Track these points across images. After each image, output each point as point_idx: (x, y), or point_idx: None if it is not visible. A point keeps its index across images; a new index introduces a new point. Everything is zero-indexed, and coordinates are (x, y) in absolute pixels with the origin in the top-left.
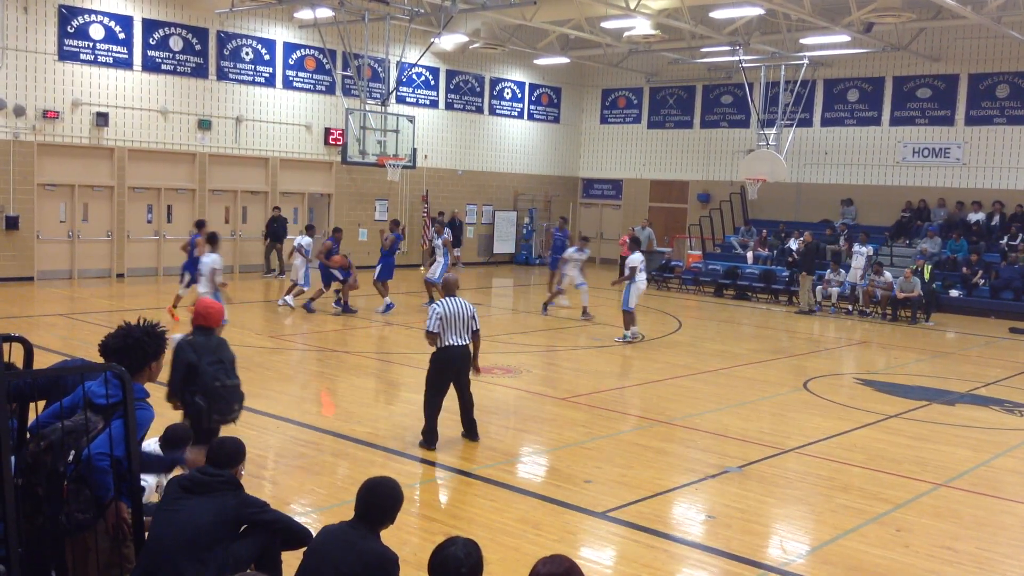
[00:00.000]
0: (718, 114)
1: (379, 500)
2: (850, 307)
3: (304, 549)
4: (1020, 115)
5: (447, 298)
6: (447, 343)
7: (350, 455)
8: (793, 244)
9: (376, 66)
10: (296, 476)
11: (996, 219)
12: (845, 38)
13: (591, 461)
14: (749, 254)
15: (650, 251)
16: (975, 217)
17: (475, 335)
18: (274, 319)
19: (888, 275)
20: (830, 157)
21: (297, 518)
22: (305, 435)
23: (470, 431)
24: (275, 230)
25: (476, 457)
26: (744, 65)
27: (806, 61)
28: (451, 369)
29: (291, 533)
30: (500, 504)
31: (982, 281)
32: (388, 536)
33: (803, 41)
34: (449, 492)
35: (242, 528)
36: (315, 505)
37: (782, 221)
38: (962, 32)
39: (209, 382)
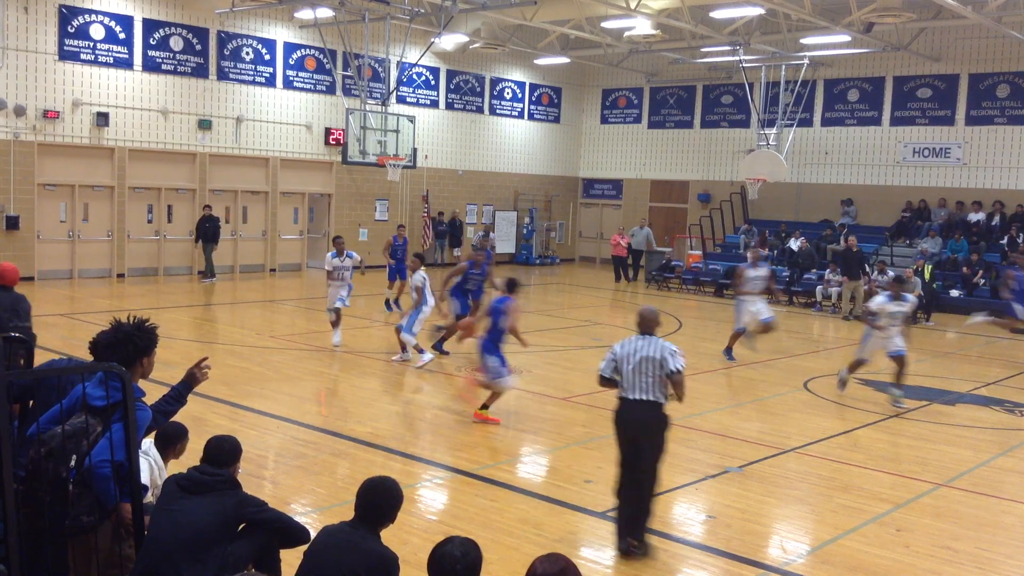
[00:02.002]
0: (718, 114)
1: (379, 500)
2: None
3: (303, 549)
4: (1020, 115)
5: (635, 337)
6: (624, 395)
7: (350, 455)
8: (793, 244)
9: (376, 66)
10: (296, 476)
11: (996, 219)
12: (845, 38)
13: (591, 461)
14: (747, 254)
15: (650, 251)
16: (975, 217)
17: (672, 378)
18: (273, 319)
19: (891, 274)
20: (830, 157)
21: (297, 518)
22: (305, 435)
23: (632, 526)
24: (207, 231)
25: (476, 457)
26: (744, 65)
27: (806, 61)
28: (625, 433)
29: (290, 532)
30: (500, 504)
31: (982, 281)
32: (388, 536)
33: (803, 41)
34: (450, 492)
35: (241, 527)
36: (315, 505)
37: (783, 221)
38: (962, 32)
39: (5, 324)
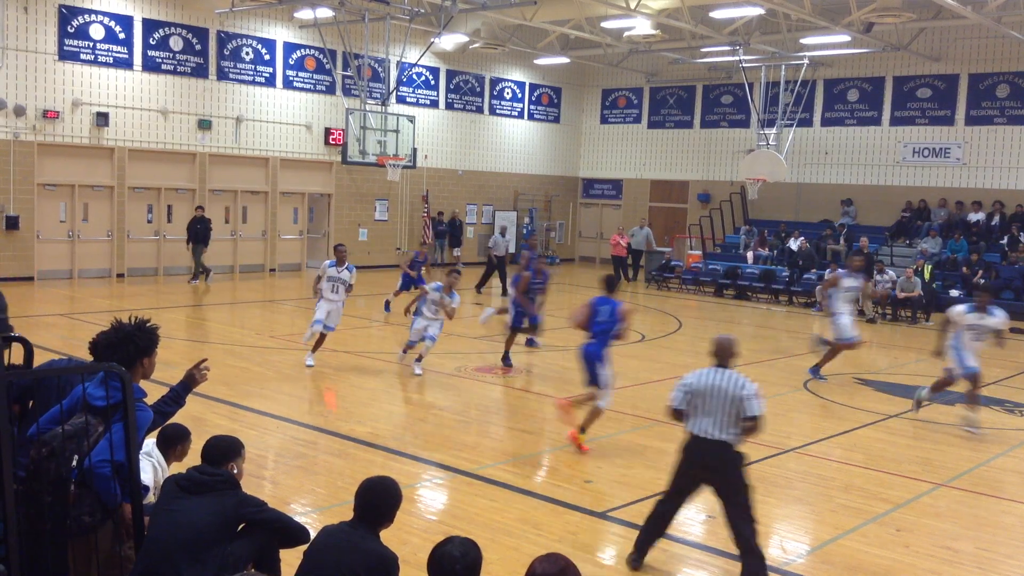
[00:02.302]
0: (718, 114)
1: (378, 500)
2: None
3: (303, 549)
4: (1020, 115)
5: (711, 369)
6: (693, 431)
7: (350, 455)
8: (793, 244)
9: (376, 66)
10: (296, 476)
11: (996, 219)
12: (845, 38)
13: (591, 461)
14: (749, 254)
15: (649, 251)
16: (975, 217)
17: (745, 424)
18: (273, 319)
19: (891, 273)
20: (830, 157)
21: (296, 518)
22: (305, 435)
23: (647, 546)
24: (198, 232)
25: (476, 457)
26: (744, 65)
27: (806, 61)
28: (689, 470)
29: (289, 532)
30: (500, 504)
31: (982, 281)
32: (388, 536)
33: (803, 41)
34: (449, 492)
35: (240, 527)
36: (314, 505)
37: (782, 221)
38: (962, 32)
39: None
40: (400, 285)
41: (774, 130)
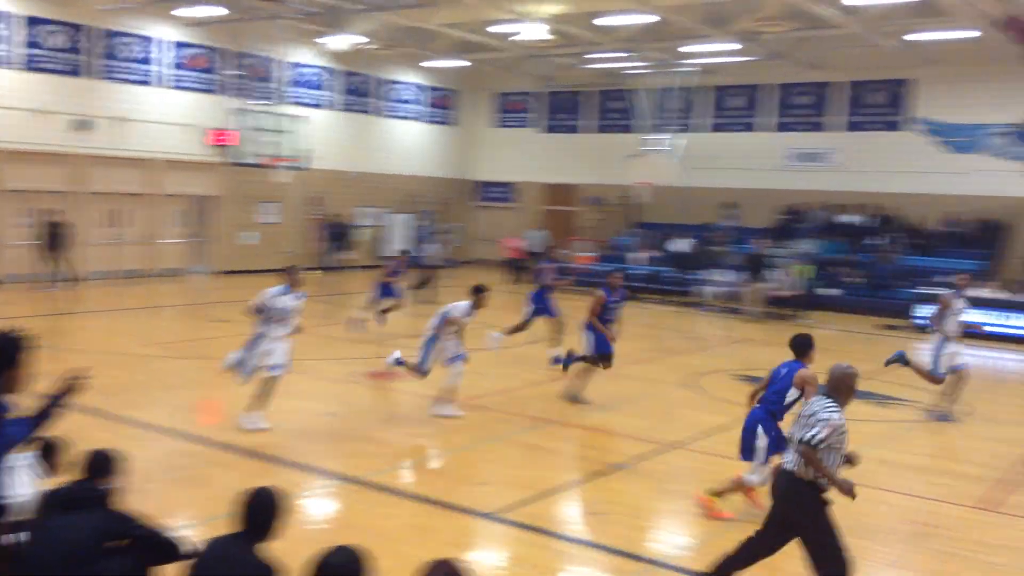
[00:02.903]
0: (611, 119)
1: (260, 511)
2: (734, 306)
3: (188, 563)
4: (894, 121)
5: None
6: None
7: (233, 465)
8: (678, 246)
9: (266, 65)
10: (178, 488)
11: (870, 221)
12: (731, 46)
13: (484, 463)
14: (638, 255)
15: (543, 253)
16: (850, 219)
17: (803, 447)
18: (156, 326)
19: (775, 274)
20: (718, 161)
21: (178, 532)
22: (186, 446)
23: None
24: (54, 238)
25: (367, 464)
26: (635, 71)
27: (694, 68)
28: (773, 502)
29: (163, 548)
30: (391, 510)
31: (857, 280)
32: (277, 547)
33: (692, 49)
34: (339, 500)
35: (118, 543)
36: (197, 518)
37: (671, 224)
38: (841, 41)
39: None
40: (377, 295)
41: (664, 135)
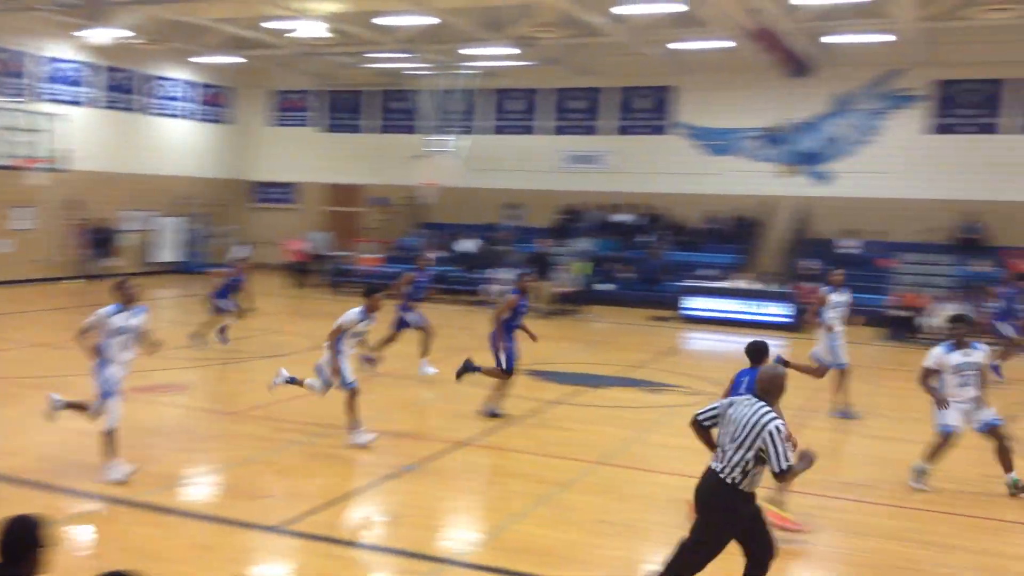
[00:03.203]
0: (394, 119)
1: (17, 542)
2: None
3: None
4: (660, 125)
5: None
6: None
7: None
8: (464, 247)
9: (19, 60)
10: None
11: (640, 220)
12: (510, 51)
13: (266, 475)
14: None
15: (329, 255)
16: (623, 218)
17: (781, 477)
18: None
19: (556, 273)
20: (500, 163)
21: None
22: None
23: None
24: None
25: (139, 483)
26: (416, 72)
27: (475, 71)
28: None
29: None
30: (169, 531)
31: (630, 275)
32: None
33: (471, 52)
34: (112, 523)
35: None
36: None
37: (457, 224)
38: (611, 49)
39: None
40: (216, 308)
41: (447, 136)
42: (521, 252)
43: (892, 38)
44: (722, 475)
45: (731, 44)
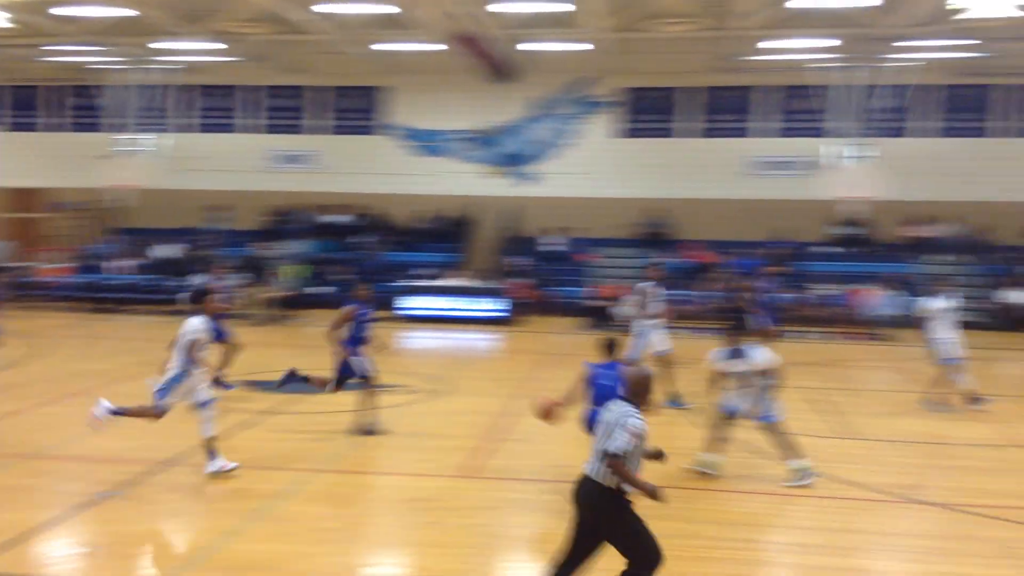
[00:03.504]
0: (82, 116)
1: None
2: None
3: None
4: (373, 125)
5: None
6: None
7: None
8: (166, 252)
9: None
10: None
11: (356, 220)
12: (213, 45)
13: None
14: (119, 264)
15: (9, 266)
16: (337, 219)
17: (610, 459)
18: None
19: (270, 276)
20: (205, 163)
21: None
22: None
23: None
24: None
25: None
26: (109, 66)
27: (175, 66)
28: (578, 509)
29: None
30: None
31: (347, 277)
32: None
33: (168, 46)
34: None
35: None
36: None
37: (155, 229)
38: (318, 47)
39: None
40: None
41: (148, 135)
42: (230, 256)
43: (585, 47)
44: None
45: (440, 47)
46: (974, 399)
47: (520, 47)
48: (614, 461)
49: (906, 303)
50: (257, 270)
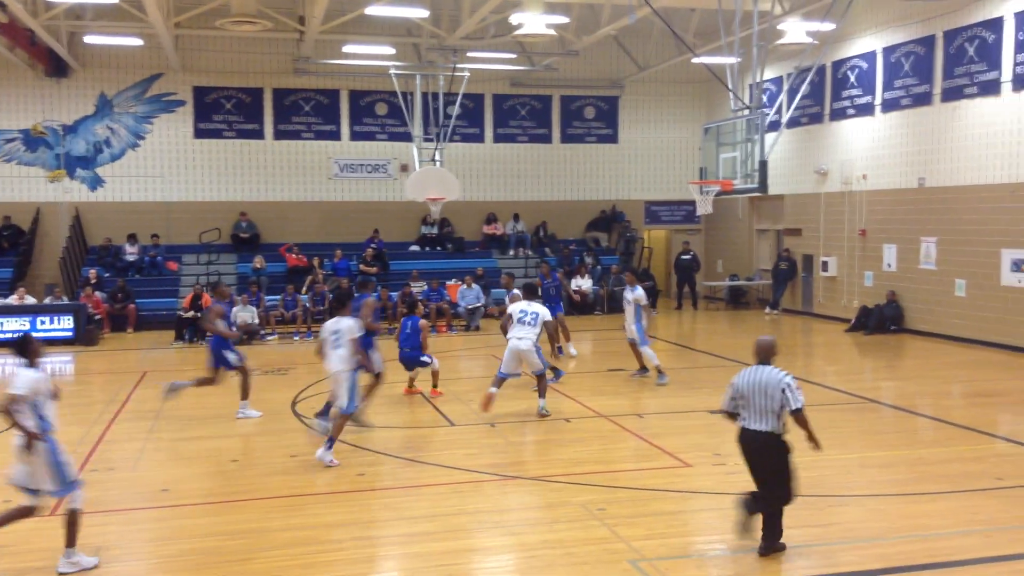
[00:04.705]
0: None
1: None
2: None
3: None
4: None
5: (754, 367)
6: (743, 424)
7: None
8: None
9: None
10: None
11: None
12: None
13: None
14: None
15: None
16: None
17: (794, 417)
18: None
19: None
20: None
21: None
22: None
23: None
24: None
25: None
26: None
27: None
28: (747, 458)
29: None
30: None
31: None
32: None
33: None
34: None
35: None
36: None
37: None
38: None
39: None
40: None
41: None
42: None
43: (144, 43)
44: (770, 431)
45: None
46: (554, 370)
47: (81, 40)
48: (802, 416)
49: (479, 295)
50: None
